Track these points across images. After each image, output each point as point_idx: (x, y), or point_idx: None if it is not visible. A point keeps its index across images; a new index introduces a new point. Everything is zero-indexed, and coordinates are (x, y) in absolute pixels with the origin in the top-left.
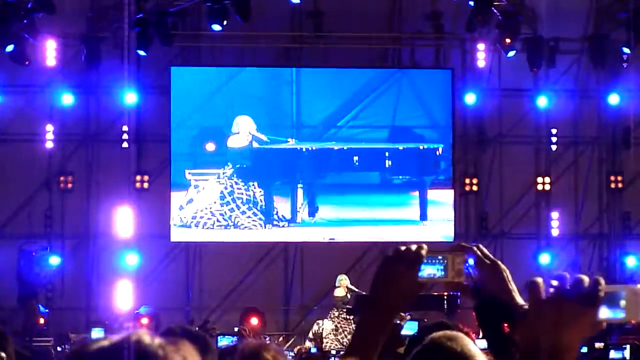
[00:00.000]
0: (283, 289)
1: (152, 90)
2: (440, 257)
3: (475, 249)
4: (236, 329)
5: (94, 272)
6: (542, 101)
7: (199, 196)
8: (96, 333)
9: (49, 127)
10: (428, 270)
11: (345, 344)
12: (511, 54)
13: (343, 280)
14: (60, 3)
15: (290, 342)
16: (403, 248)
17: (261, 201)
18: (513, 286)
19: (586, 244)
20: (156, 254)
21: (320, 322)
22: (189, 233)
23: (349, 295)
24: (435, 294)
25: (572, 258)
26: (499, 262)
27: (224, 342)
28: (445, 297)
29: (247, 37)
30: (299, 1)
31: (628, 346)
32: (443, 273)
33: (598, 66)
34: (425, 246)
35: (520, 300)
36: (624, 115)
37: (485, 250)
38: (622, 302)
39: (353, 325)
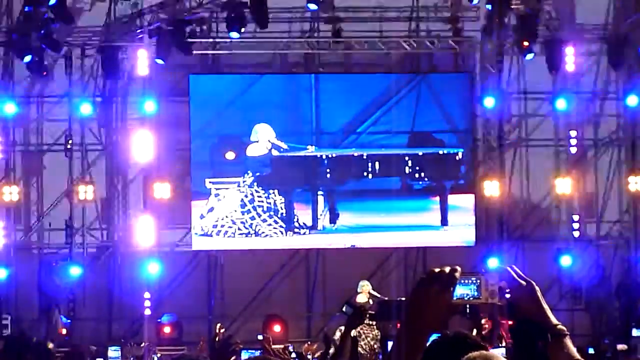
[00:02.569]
0: (305, 295)
1: (171, 98)
2: (473, 278)
3: (509, 269)
4: (260, 337)
5: (116, 281)
6: (560, 104)
7: (220, 205)
8: (112, 352)
9: (69, 137)
10: (462, 291)
11: (367, 349)
12: (529, 57)
13: (365, 286)
14: (78, 13)
15: (314, 347)
16: (437, 270)
17: (282, 209)
18: (546, 305)
19: (607, 246)
20: (178, 262)
21: (342, 328)
22: (210, 241)
23: (371, 301)
24: None
25: (593, 260)
26: (533, 283)
27: (245, 356)
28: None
29: (266, 44)
30: (316, 7)
31: None
32: (477, 294)
33: (617, 68)
34: (459, 268)
35: (554, 319)
36: None
37: (519, 271)
38: None
39: (376, 331)
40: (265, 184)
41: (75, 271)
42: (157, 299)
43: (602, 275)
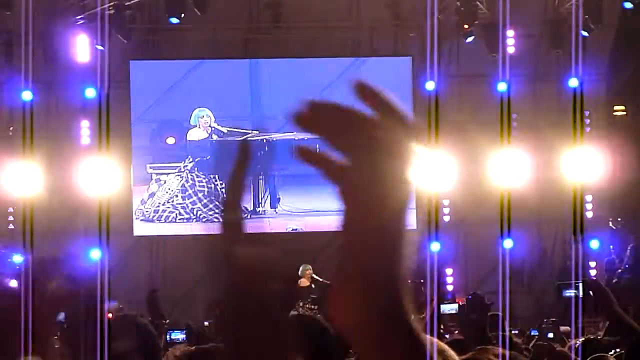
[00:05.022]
0: None
1: (111, 84)
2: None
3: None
4: (206, 324)
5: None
6: (501, 86)
7: (161, 190)
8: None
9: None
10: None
11: None
12: (469, 39)
13: (307, 271)
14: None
15: None
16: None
17: (222, 193)
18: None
19: (547, 228)
20: (120, 248)
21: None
22: (151, 227)
23: (313, 286)
24: None
25: (533, 242)
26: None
27: (176, 336)
28: None
29: (206, 30)
30: None
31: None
32: None
33: (557, 50)
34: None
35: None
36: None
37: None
38: None
39: (318, 316)
40: (205, 168)
41: (18, 258)
42: (99, 286)
43: (543, 258)
